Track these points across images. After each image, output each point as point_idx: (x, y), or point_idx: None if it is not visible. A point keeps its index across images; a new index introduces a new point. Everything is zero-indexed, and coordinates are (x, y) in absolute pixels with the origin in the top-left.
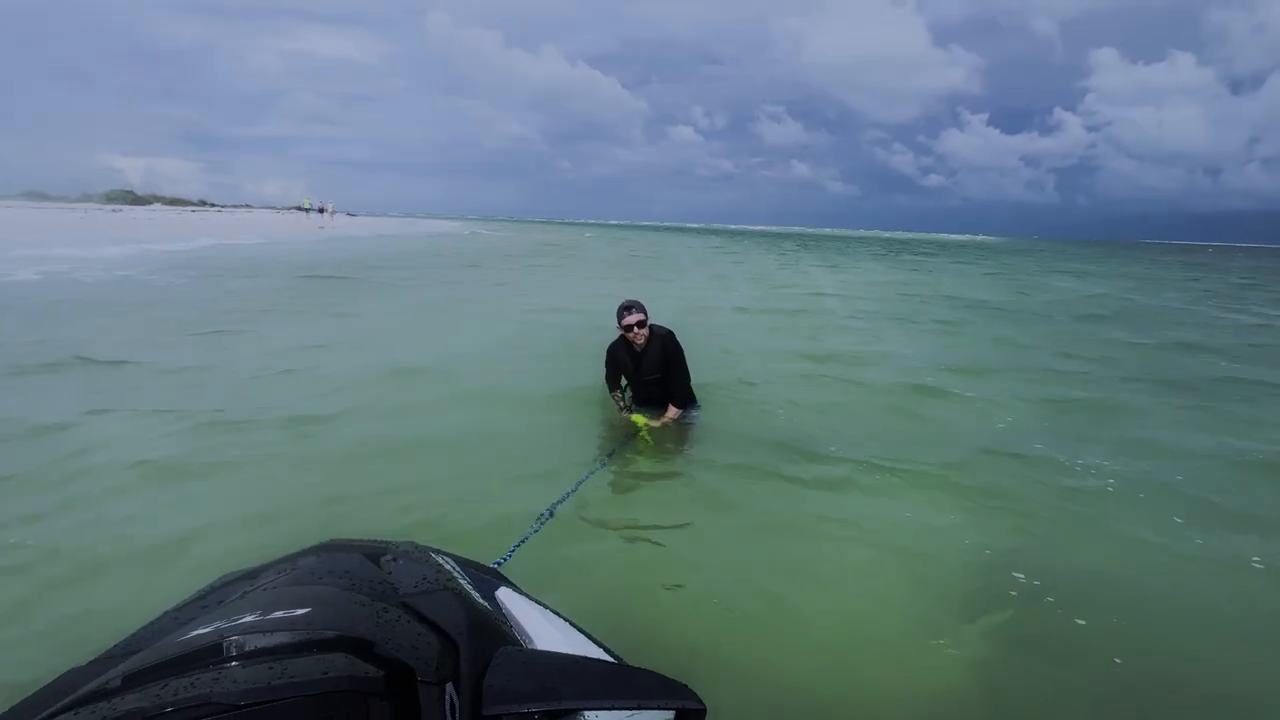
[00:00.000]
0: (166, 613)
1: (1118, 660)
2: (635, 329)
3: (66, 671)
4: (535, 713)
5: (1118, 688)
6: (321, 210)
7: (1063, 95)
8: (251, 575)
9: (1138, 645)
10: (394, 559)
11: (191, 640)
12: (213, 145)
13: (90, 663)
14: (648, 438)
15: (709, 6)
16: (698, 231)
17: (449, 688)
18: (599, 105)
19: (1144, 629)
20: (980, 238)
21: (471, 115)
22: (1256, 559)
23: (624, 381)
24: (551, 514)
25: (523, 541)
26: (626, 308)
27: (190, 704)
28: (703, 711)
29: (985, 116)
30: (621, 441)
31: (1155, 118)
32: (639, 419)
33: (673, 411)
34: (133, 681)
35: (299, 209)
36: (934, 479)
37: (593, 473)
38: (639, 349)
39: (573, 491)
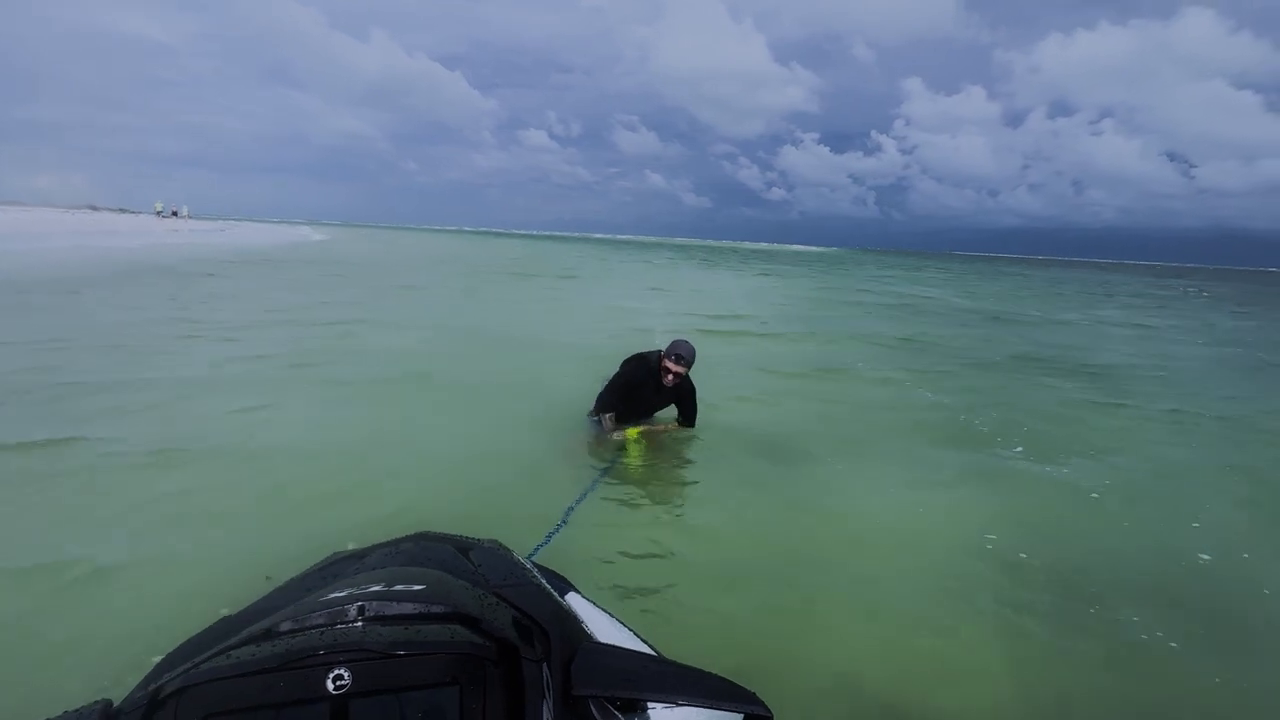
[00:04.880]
0: (292, 580)
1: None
2: (673, 375)
3: (219, 620)
4: (615, 699)
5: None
6: (175, 214)
7: (879, 120)
8: (359, 555)
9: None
10: (481, 553)
11: (332, 600)
12: None
13: (240, 613)
14: (636, 457)
15: (558, 16)
16: (557, 239)
17: (545, 667)
18: (444, 102)
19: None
20: (815, 248)
21: (299, 107)
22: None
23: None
24: (563, 524)
25: (538, 548)
26: (683, 357)
27: (349, 648)
28: (769, 718)
29: (817, 135)
30: (615, 454)
31: (953, 144)
32: (630, 431)
33: (671, 426)
34: (294, 628)
35: (155, 213)
36: (926, 469)
37: (596, 482)
38: (667, 383)
39: (579, 501)
